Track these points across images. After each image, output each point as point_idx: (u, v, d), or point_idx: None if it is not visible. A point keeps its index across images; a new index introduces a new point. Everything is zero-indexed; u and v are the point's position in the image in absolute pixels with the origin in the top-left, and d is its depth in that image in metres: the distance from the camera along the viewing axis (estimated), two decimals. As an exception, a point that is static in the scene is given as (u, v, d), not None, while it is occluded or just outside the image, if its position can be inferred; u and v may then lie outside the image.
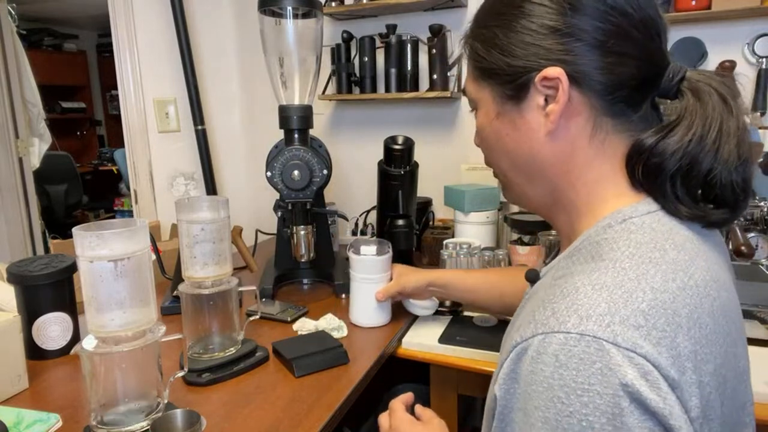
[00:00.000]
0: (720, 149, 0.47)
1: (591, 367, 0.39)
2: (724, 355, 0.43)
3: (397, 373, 1.19)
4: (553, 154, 0.54)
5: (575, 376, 0.39)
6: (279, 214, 1.37)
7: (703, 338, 0.42)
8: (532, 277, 0.58)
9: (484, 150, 0.62)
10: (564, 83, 0.50)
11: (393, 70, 1.76)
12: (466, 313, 1.21)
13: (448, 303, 1.21)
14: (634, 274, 0.43)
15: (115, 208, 5.00)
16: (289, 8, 1.27)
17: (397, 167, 1.46)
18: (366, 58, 1.80)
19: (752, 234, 1.03)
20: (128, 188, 2.14)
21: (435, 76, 1.71)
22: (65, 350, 1.05)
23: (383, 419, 0.81)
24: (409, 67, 1.75)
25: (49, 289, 1.02)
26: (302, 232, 1.31)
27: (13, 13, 2.53)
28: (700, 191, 0.49)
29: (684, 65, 0.52)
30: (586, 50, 0.49)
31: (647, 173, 0.49)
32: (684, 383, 0.40)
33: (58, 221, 4.21)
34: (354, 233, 1.77)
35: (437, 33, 1.68)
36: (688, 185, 0.48)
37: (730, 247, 0.99)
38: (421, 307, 1.14)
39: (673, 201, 0.49)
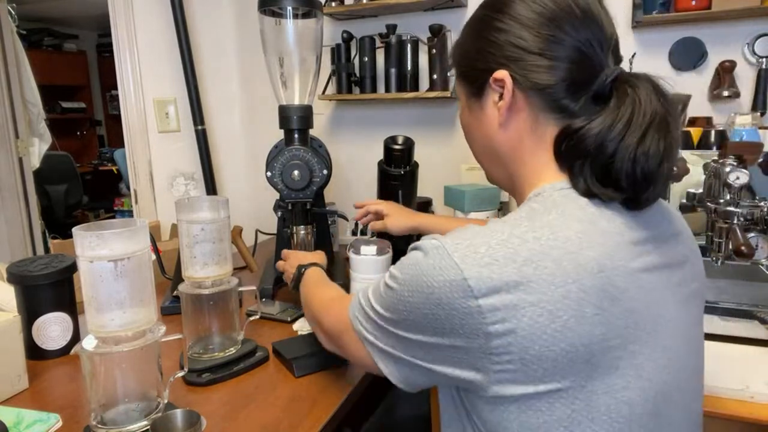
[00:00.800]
0: (624, 139, 0.55)
1: (428, 261, 0.54)
2: (563, 294, 0.50)
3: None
4: (505, 143, 0.65)
5: (417, 260, 0.56)
6: (279, 214, 1.37)
7: (535, 276, 0.50)
8: None
9: (466, 139, 0.74)
10: (508, 83, 0.61)
11: (393, 70, 1.76)
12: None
13: None
14: (508, 226, 0.55)
15: (115, 208, 5.00)
16: (289, 8, 1.27)
17: (397, 167, 1.46)
18: (366, 58, 1.80)
19: (752, 234, 1.02)
20: (128, 188, 2.14)
21: (435, 76, 1.71)
22: (65, 350, 1.05)
23: (280, 263, 1.11)
24: (409, 67, 1.75)
25: (49, 289, 1.02)
26: (302, 232, 1.31)
27: (13, 13, 2.53)
28: (605, 174, 0.56)
29: (620, 68, 0.60)
30: (527, 56, 0.60)
31: (568, 152, 0.59)
32: (493, 299, 0.50)
33: (58, 221, 4.21)
34: (354, 233, 1.77)
35: (437, 33, 1.68)
36: (594, 165, 0.57)
37: (731, 247, 0.99)
38: None
39: (578, 177, 0.58)
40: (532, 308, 0.50)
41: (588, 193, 0.57)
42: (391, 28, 1.76)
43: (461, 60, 0.68)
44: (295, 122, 1.27)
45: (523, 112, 0.62)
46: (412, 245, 0.59)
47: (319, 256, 1.08)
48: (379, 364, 0.62)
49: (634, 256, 0.55)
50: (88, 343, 0.76)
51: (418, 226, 1.16)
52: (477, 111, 0.67)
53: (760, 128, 1.17)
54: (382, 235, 1.22)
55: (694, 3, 1.41)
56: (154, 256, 1.18)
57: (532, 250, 0.52)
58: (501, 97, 0.62)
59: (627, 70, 0.62)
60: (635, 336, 0.53)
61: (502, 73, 0.61)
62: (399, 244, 1.44)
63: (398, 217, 1.18)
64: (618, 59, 0.63)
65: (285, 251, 1.13)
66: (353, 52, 1.85)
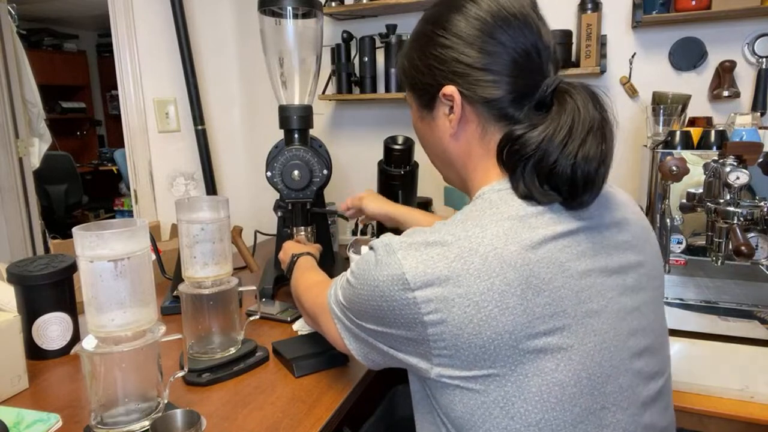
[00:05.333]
0: (566, 147, 0.58)
1: (377, 258, 0.61)
2: (487, 286, 0.55)
3: (397, 373, 1.19)
4: (456, 151, 0.70)
5: (368, 258, 0.62)
6: (279, 214, 1.37)
7: (463, 271, 0.55)
8: None
9: (420, 143, 0.78)
10: (457, 98, 0.65)
11: (393, 70, 1.76)
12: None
13: None
14: (447, 226, 0.60)
15: (115, 208, 5.00)
16: (289, 8, 1.27)
17: (397, 167, 1.46)
18: (366, 58, 1.80)
19: (752, 234, 1.02)
20: (128, 188, 2.14)
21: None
22: (65, 350, 1.05)
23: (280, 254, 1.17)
24: (409, 67, 1.75)
25: (49, 289, 1.02)
26: (302, 233, 1.31)
27: (13, 13, 2.52)
28: (546, 178, 0.60)
29: (559, 77, 0.64)
30: (473, 72, 0.63)
31: (509, 156, 0.63)
32: (426, 291, 0.56)
33: (58, 221, 4.21)
34: (354, 233, 1.77)
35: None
36: (538, 171, 0.60)
37: (731, 247, 0.99)
38: None
39: (519, 180, 0.61)
40: (461, 300, 0.55)
41: (526, 195, 0.61)
42: (391, 28, 1.76)
43: (409, 72, 0.71)
44: (295, 122, 1.27)
45: (472, 123, 0.66)
46: (369, 243, 0.65)
47: (313, 248, 1.15)
48: (345, 342, 0.70)
49: (562, 247, 0.59)
50: (88, 343, 0.76)
51: (393, 213, 1.19)
52: (429, 120, 0.71)
53: (760, 128, 1.17)
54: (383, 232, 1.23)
55: (694, 3, 1.41)
56: (154, 256, 1.18)
57: (462, 248, 0.57)
58: (451, 110, 0.66)
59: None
60: (563, 322, 0.56)
61: (450, 89, 0.65)
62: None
63: (373, 200, 1.22)
64: (557, 67, 0.67)
65: (284, 243, 1.19)
66: (353, 52, 1.85)
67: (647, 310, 0.65)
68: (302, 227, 1.31)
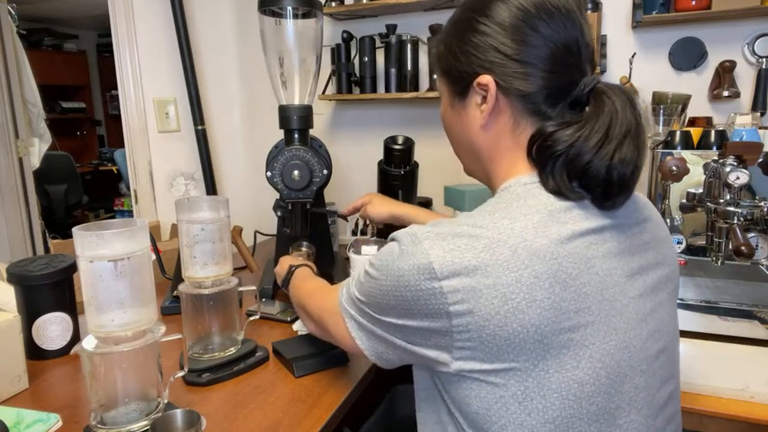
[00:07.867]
0: (601, 150, 0.58)
1: (401, 248, 0.59)
2: (516, 278, 0.54)
3: (397, 373, 1.19)
4: (485, 143, 0.68)
5: (392, 248, 0.61)
6: (279, 214, 1.37)
7: (492, 262, 0.54)
8: None
9: (446, 132, 0.77)
10: (492, 89, 0.63)
11: (393, 70, 1.76)
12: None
13: None
14: (473, 218, 0.59)
15: (115, 208, 5.00)
16: (289, 8, 1.27)
17: (397, 167, 1.46)
18: (366, 58, 1.80)
19: (752, 234, 1.02)
20: (128, 188, 2.14)
21: (435, 76, 1.71)
22: (65, 350, 1.05)
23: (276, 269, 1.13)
24: (409, 67, 1.75)
25: (49, 289, 1.02)
26: (304, 249, 1.28)
27: (13, 13, 2.52)
28: (577, 177, 0.60)
29: (596, 77, 0.63)
30: (509, 63, 0.62)
31: (539, 151, 0.62)
32: (453, 281, 0.55)
33: (58, 221, 4.21)
34: (354, 233, 1.77)
35: (437, 33, 1.68)
36: (569, 169, 0.59)
37: (731, 247, 0.99)
38: None
39: (547, 174, 0.61)
40: (488, 291, 0.54)
41: (556, 191, 0.60)
42: (391, 28, 1.76)
43: (444, 57, 0.69)
44: (295, 122, 1.27)
45: (504, 115, 0.65)
46: (390, 236, 0.64)
47: (311, 264, 1.12)
48: (357, 342, 0.68)
49: (589, 244, 0.58)
50: (88, 343, 0.76)
51: (398, 215, 1.18)
52: (459, 109, 0.70)
53: (760, 128, 1.17)
54: (382, 234, 1.23)
55: (694, 3, 1.41)
56: (154, 256, 1.18)
57: (491, 239, 0.56)
58: (484, 99, 0.65)
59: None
60: (587, 319, 0.56)
61: (486, 78, 0.63)
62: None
63: (378, 206, 1.20)
64: (593, 67, 0.66)
65: (281, 258, 1.15)
66: (353, 52, 1.84)
67: (663, 312, 0.65)
68: (303, 248, 1.28)
